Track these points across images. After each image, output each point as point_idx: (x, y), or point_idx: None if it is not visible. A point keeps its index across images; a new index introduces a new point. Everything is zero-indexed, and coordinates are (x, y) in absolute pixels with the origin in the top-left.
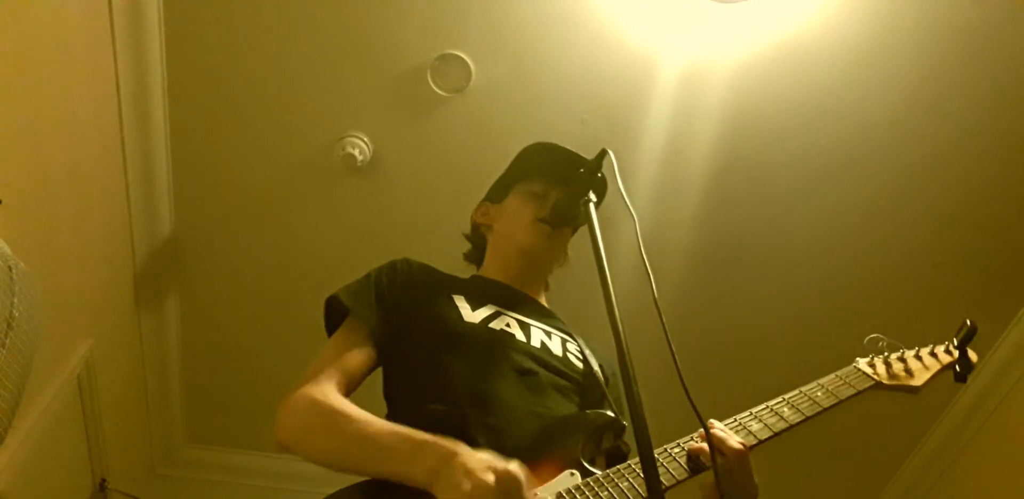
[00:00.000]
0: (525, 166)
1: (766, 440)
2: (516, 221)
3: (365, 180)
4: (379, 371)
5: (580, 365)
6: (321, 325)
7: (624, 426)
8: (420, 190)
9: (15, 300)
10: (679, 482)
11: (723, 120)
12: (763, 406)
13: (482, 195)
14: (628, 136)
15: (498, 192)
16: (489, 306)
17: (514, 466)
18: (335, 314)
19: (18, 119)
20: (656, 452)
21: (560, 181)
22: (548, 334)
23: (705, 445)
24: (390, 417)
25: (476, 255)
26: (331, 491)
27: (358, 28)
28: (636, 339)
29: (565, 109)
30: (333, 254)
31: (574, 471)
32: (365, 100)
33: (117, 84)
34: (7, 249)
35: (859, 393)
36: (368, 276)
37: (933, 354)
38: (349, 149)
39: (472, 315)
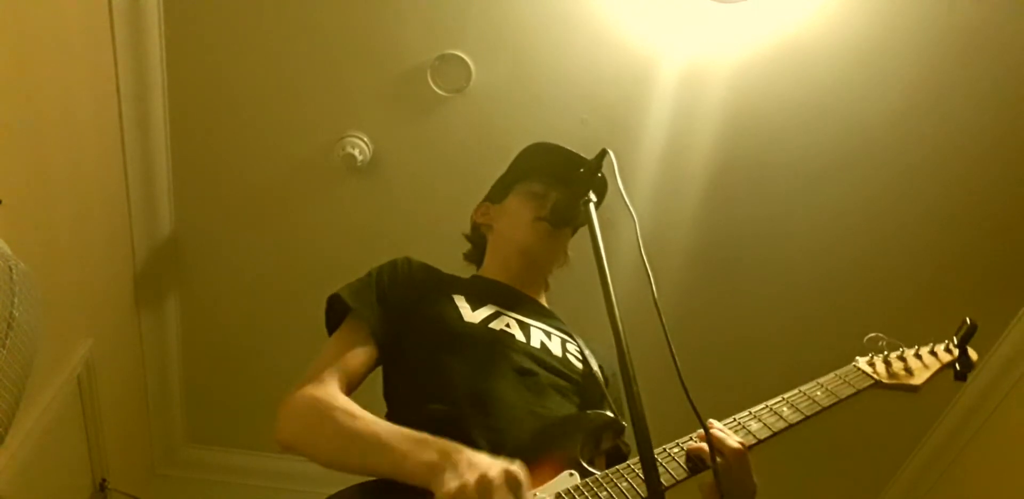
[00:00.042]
0: (525, 166)
1: (765, 440)
2: (516, 221)
3: (365, 180)
4: (379, 371)
5: (579, 365)
6: (321, 325)
7: (623, 426)
8: (420, 190)
9: (15, 300)
10: (678, 482)
11: (723, 120)
12: (762, 406)
13: (482, 195)
14: (628, 136)
15: (498, 192)
16: (489, 306)
17: (515, 466)
18: (336, 313)
19: (18, 119)
20: (655, 452)
21: (560, 181)
22: (548, 334)
23: (704, 445)
24: (390, 417)
25: (476, 255)
26: (331, 491)
27: (358, 28)
28: (636, 339)
29: (565, 109)
30: (333, 254)
31: (573, 471)
32: (365, 100)
33: (117, 84)
34: (7, 249)
35: (858, 392)
36: (369, 275)
37: (933, 353)
38: (349, 149)
39: (472, 315)
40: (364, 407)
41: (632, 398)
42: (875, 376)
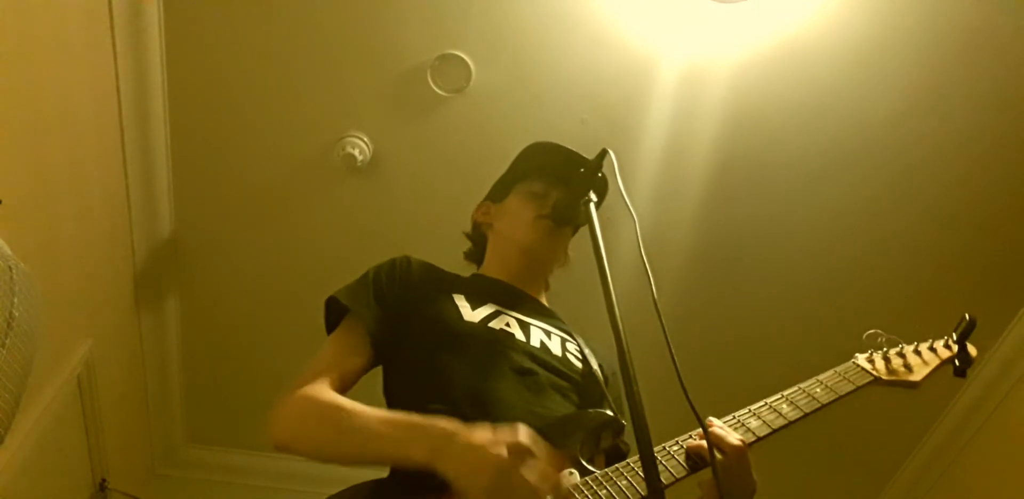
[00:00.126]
0: (526, 166)
1: (765, 437)
2: (517, 220)
3: (365, 180)
4: (379, 370)
5: (579, 365)
6: (322, 325)
7: (623, 425)
8: (420, 190)
9: (15, 300)
10: (678, 480)
11: (723, 120)
12: (762, 403)
13: (482, 195)
14: (628, 136)
15: (499, 191)
16: (489, 305)
17: (522, 433)
18: (333, 315)
19: (18, 119)
20: (655, 450)
21: (561, 181)
22: (548, 334)
23: (703, 442)
24: None
25: (477, 254)
26: (331, 491)
27: (358, 28)
28: (636, 339)
29: (565, 109)
30: (333, 254)
31: (573, 470)
32: (365, 100)
33: (117, 84)
34: (7, 249)
35: (858, 389)
36: (367, 275)
37: (932, 349)
38: (349, 149)
39: (472, 314)
40: None
41: (632, 397)
42: (874, 373)
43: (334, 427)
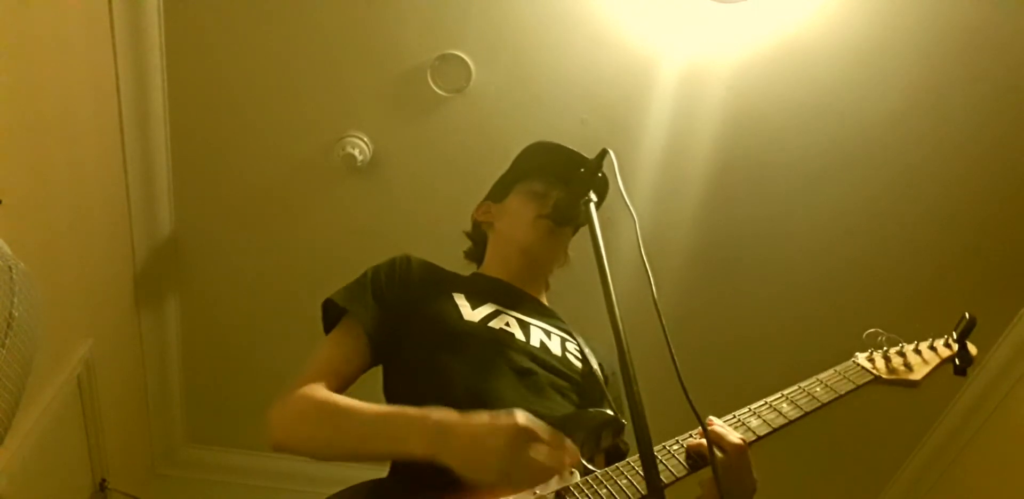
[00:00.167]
0: (526, 165)
1: (765, 436)
2: (517, 219)
3: (365, 180)
4: (378, 369)
5: (579, 365)
6: (321, 325)
7: (623, 424)
8: (420, 190)
9: (15, 300)
10: (678, 479)
11: (723, 120)
12: (762, 402)
13: (483, 195)
14: (628, 136)
15: (499, 191)
16: (489, 304)
17: (520, 416)
18: (331, 317)
19: (18, 119)
20: (655, 450)
21: (561, 181)
22: (548, 333)
23: (704, 441)
24: None
25: (477, 253)
26: (331, 491)
27: (358, 28)
28: (636, 339)
29: (565, 109)
30: (333, 254)
31: (573, 469)
32: (365, 100)
33: (117, 84)
34: (7, 249)
35: (858, 388)
36: (365, 274)
37: (932, 348)
38: (349, 149)
39: (472, 314)
40: None
41: (632, 397)
42: (874, 372)
43: (331, 426)
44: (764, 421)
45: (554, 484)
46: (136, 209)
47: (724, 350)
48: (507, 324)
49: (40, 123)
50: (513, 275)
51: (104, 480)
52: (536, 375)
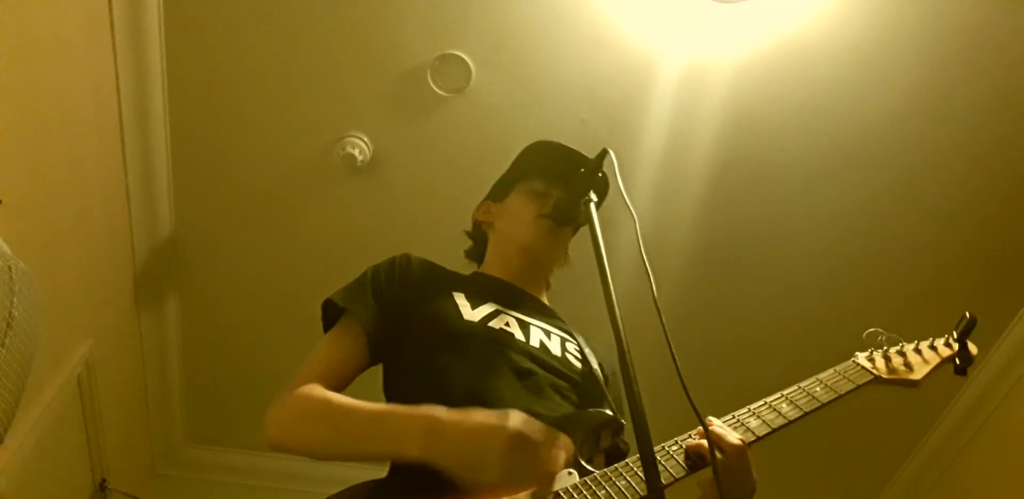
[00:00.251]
0: (527, 165)
1: (764, 436)
2: (518, 219)
3: (365, 180)
4: (378, 369)
5: (579, 365)
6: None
7: (622, 424)
8: (420, 190)
9: (15, 300)
10: (677, 480)
11: (723, 120)
12: (761, 402)
13: (483, 195)
14: (628, 136)
15: (500, 191)
16: (489, 304)
17: (516, 419)
18: (330, 317)
19: (18, 119)
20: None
21: (561, 180)
22: (547, 333)
23: (703, 442)
24: None
25: (477, 252)
26: (331, 491)
27: (358, 28)
28: (636, 339)
29: (565, 109)
30: (333, 254)
31: (572, 470)
32: (365, 100)
33: (117, 84)
34: (7, 249)
35: (858, 388)
36: (365, 274)
37: (933, 347)
38: (349, 149)
39: (472, 313)
40: None
41: (632, 397)
42: (874, 371)
43: (329, 425)
44: (763, 421)
45: (552, 485)
46: (136, 209)
47: (724, 350)
48: (507, 324)
49: (40, 123)
50: (513, 275)
51: (104, 480)
52: (536, 375)
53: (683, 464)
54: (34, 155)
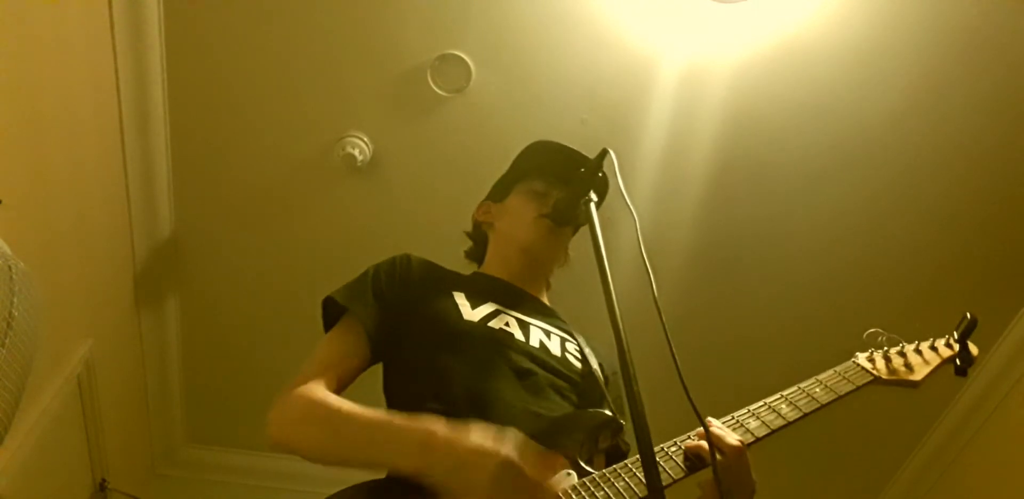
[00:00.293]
0: (527, 165)
1: (763, 438)
2: (518, 219)
3: (365, 180)
4: (378, 368)
5: (579, 365)
6: (321, 324)
7: (621, 425)
8: (420, 190)
9: (15, 300)
10: (675, 481)
11: (723, 120)
12: (760, 403)
13: (483, 195)
14: (628, 136)
15: (499, 191)
16: (489, 304)
17: (509, 446)
18: (331, 315)
19: (18, 119)
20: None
21: (561, 180)
22: (547, 333)
23: (702, 443)
24: None
25: (478, 253)
26: (331, 491)
27: (358, 28)
28: (636, 339)
29: (565, 109)
30: (333, 254)
31: (570, 471)
32: (365, 100)
33: (117, 84)
34: (7, 249)
35: (857, 389)
36: (366, 273)
37: (933, 348)
38: (349, 149)
39: (471, 313)
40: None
41: (632, 397)
42: (874, 372)
43: (328, 432)
44: (763, 422)
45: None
46: (136, 209)
47: (724, 350)
48: (507, 324)
49: (40, 123)
50: (514, 274)
51: (104, 480)
52: (535, 375)
53: (682, 465)
54: (34, 155)
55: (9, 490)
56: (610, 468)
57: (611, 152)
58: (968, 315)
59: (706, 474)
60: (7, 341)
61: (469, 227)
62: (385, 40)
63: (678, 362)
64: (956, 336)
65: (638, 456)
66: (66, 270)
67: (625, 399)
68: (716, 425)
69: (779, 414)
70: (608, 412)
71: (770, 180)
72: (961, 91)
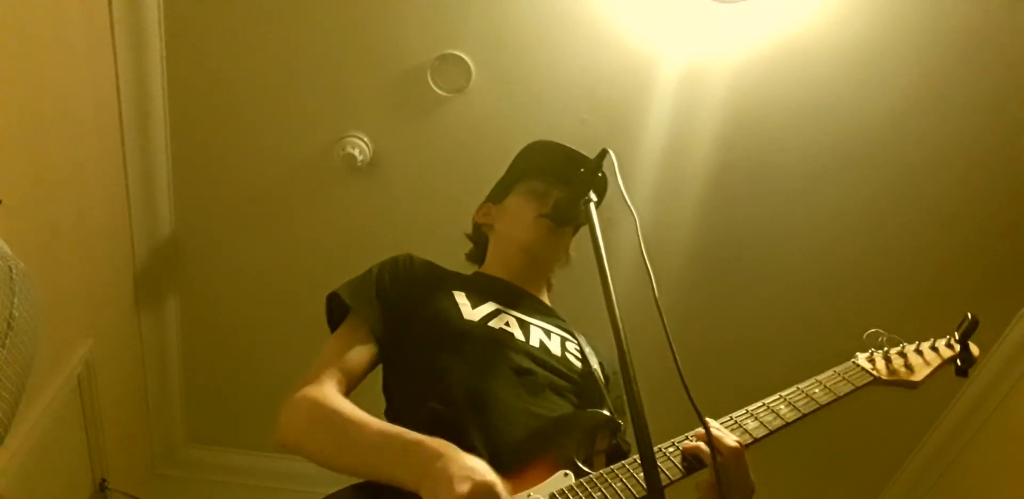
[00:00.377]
0: (526, 165)
1: (762, 438)
2: (518, 219)
3: (365, 180)
4: (378, 367)
5: (579, 365)
6: (322, 324)
7: (619, 425)
8: (420, 190)
9: (15, 300)
10: (673, 482)
11: (723, 120)
12: (759, 404)
13: (482, 195)
14: (628, 136)
15: (499, 192)
16: (490, 304)
17: (492, 477)
18: (335, 312)
19: (18, 119)
20: None
21: (561, 180)
22: (548, 333)
23: (700, 444)
24: (388, 413)
25: (478, 254)
26: (331, 491)
27: (358, 28)
28: (636, 339)
29: (565, 109)
30: (333, 254)
31: (568, 471)
32: (365, 100)
33: (117, 84)
34: (7, 249)
35: (857, 389)
36: (370, 272)
37: (934, 348)
38: (349, 149)
39: (472, 313)
40: (364, 406)
41: (632, 397)
42: (874, 373)
43: (335, 440)
44: (761, 423)
45: (548, 487)
46: (136, 209)
47: (724, 350)
48: (507, 323)
49: (40, 123)
50: (514, 274)
51: (104, 480)
52: (535, 375)
53: (679, 466)
54: (34, 155)
55: (9, 490)
56: (607, 469)
57: (611, 152)
58: (969, 315)
59: (703, 475)
60: (7, 341)
61: (469, 227)
62: (385, 40)
63: (679, 362)
64: (957, 336)
65: (635, 457)
66: (66, 270)
67: (625, 399)
68: (715, 426)
69: (777, 415)
70: (606, 412)
71: (770, 180)
72: (961, 91)
